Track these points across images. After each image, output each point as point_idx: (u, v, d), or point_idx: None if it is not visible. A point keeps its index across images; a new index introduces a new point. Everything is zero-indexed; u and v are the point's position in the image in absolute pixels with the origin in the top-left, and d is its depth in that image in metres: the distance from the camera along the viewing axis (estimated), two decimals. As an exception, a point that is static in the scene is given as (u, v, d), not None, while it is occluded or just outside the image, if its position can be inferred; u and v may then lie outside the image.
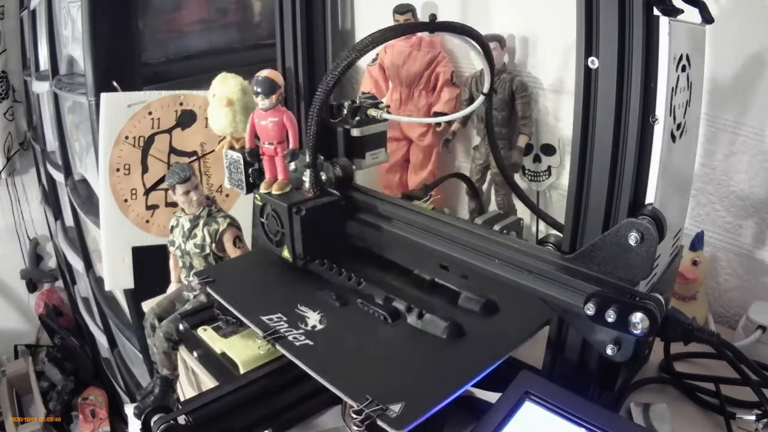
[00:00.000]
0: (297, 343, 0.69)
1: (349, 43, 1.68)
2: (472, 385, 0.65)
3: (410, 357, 0.68)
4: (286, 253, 0.81)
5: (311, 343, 0.69)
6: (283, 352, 0.69)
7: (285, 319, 0.74)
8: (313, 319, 0.74)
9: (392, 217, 0.81)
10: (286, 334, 0.71)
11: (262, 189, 0.83)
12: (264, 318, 0.74)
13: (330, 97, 0.78)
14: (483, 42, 0.83)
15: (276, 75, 0.80)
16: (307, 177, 0.81)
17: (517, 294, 0.68)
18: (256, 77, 0.79)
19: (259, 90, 0.78)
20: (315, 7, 0.92)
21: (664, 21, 0.56)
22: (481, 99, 0.87)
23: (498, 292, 0.74)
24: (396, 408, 0.57)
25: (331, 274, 0.82)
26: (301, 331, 0.72)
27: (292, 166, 0.84)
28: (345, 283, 0.80)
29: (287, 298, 0.78)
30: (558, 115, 1.25)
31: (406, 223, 0.80)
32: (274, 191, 0.82)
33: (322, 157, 0.86)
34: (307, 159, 0.80)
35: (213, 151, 1.34)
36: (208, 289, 0.83)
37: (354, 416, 0.69)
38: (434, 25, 0.79)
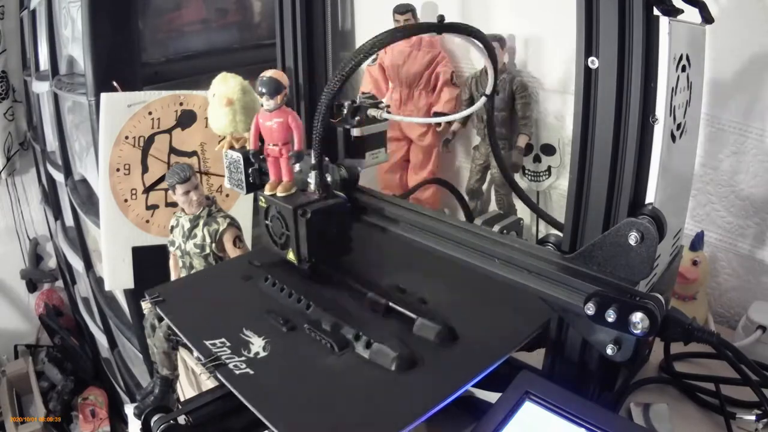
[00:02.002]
0: (237, 372, 0.65)
1: (349, 43, 1.68)
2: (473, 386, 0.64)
3: (354, 390, 0.63)
4: (291, 256, 0.80)
5: (251, 372, 0.65)
6: (222, 381, 0.65)
7: (228, 344, 0.69)
8: (257, 345, 0.70)
9: (399, 219, 0.81)
10: (228, 361, 0.67)
11: (267, 191, 0.82)
12: (207, 343, 0.70)
13: (336, 98, 0.78)
14: (488, 43, 0.83)
15: (281, 75, 0.79)
16: (312, 179, 0.80)
17: (518, 293, 0.67)
18: (261, 77, 0.78)
19: (263, 90, 0.77)
20: (315, 7, 0.92)
21: (664, 21, 0.56)
22: (482, 100, 0.87)
23: (498, 291, 0.73)
24: None
25: (281, 296, 0.79)
26: (243, 358, 0.67)
27: (297, 167, 0.83)
28: (294, 305, 0.76)
29: (234, 321, 0.74)
30: (558, 115, 1.26)
31: (412, 225, 0.79)
32: (279, 193, 0.81)
33: (327, 159, 0.85)
34: (313, 161, 0.79)
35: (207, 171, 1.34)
36: (157, 310, 0.80)
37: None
38: (441, 27, 0.78)
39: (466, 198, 1.32)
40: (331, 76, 0.76)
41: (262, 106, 0.80)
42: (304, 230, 0.76)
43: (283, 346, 0.70)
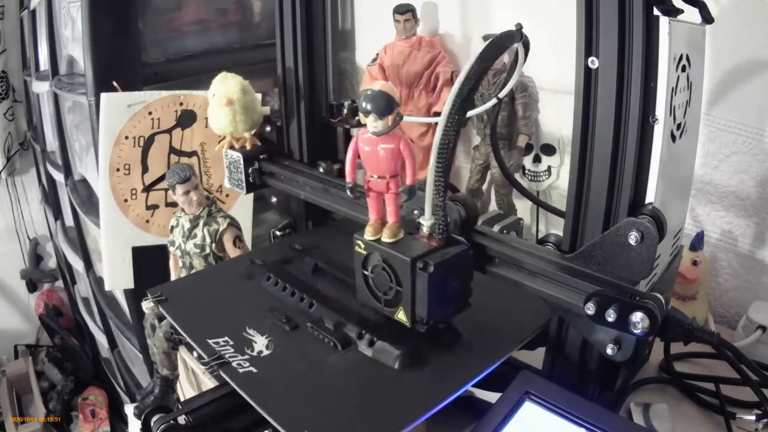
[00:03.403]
0: (241, 370, 0.65)
1: (349, 43, 1.68)
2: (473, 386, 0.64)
3: (358, 389, 0.63)
4: (401, 316, 0.66)
5: (255, 370, 0.65)
6: (226, 379, 0.65)
7: (231, 343, 0.70)
8: (261, 343, 0.69)
9: (531, 269, 0.66)
10: (231, 359, 0.66)
11: (368, 235, 0.66)
12: (210, 341, 0.70)
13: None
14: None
15: (393, 90, 0.63)
16: (427, 221, 0.65)
17: (518, 293, 0.67)
18: (365, 92, 0.62)
19: (369, 108, 0.61)
20: (315, 7, 0.92)
21: (664, 21, 0.56)
22: (492, 102, 0.86)
23: (498, 291, 0.73)
24: None
25: (283, 295, 0.78)
26: (246, 356, 0.67)
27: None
28: (297, 304, 0.75)
29: (237, 320, 0.74)
30: (558, 115, 1.26)
31: (541, 275, 0.65)
32: (385, 238, 0.66)
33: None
34: (432, 199, 0.63)
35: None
36: (160, 309, 0.79)
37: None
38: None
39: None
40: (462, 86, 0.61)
41: (362, 126, 0.64)
42: (424, 287, 0.63)
43: (286, 344, 0.70)
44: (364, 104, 0.62)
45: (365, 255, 0.67)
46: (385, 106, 0.61)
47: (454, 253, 0.64)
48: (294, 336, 0.71)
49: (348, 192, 0.68)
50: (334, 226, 1.03)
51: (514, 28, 0.67)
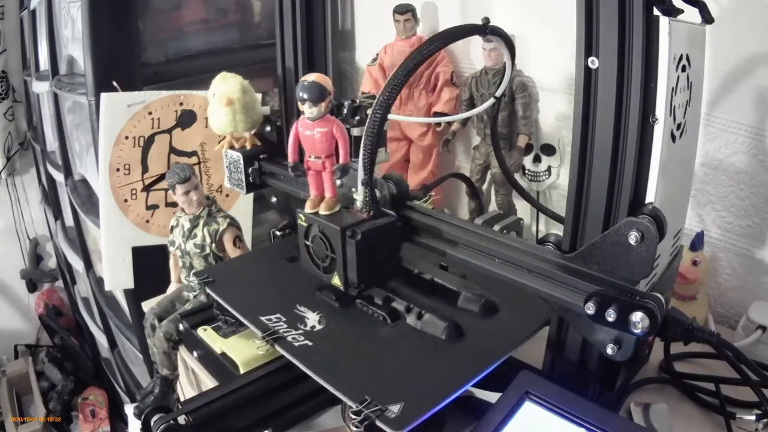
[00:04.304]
0: (296, 344, 0.69)
1: (349, 43, 1.68)
2: (472, 386, 0.65)
3: (409, 358, 0.68)
4: (336, 281, 0.74)
5: (310, 343, 0.69)
6: (282, 352, 0.69)
7: (284, 319, 0.73)
8: (312, 319, 0.74)
9: (457, 241, 0.72)
10: (285, 334, 0.71)
11: (308, 208, 0.75)
12: (263, 318, 0.74)
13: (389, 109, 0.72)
14: (511, 45, 0.81)
15: (325, 80, 0.71)
16: (359, 195, 0.73)
17: (518, 293, 0.67)
18: (302, 81, 0.71)
19: (305, 96, 0.70)
20: (315, 7, 0.92)
21: (664, 21, 0.56)
22: (491, 101, 0.86)
23: (498, 291, 0.73)
24: (395, 408, 0.57)
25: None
26: (300, 331, 0.71)
27: (337, 182, 0.77)
28: None
29: (286, 299, 0.77)
30: (558, 115, 1.25)
31: (469, 246, 0.71)
32: (322, 211, 0.74)
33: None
34: (362, 175, 0.71)
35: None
36: (208, 290, 0.82)
37: (353, 417, 0.69)
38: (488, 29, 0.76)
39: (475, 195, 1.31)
40: (386, 85, 0.73)
41: (302, 114, 0.73)
42: (353, 253, 0.70)
43: (337, 320, 0.73)
44: (300, 93, 0.70)
45: (306, 226, 0.76)
46: (319, 94, 0.70)
47: (381, 224, 0.72)
48: (344, 312, 0.75)
49: (289, 170, 0.76)
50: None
51: (482, 23, 0.76)
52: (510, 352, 0.69)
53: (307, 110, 0.71)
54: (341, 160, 0.73)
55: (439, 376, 0.64)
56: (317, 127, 0.72)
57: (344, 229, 0.70)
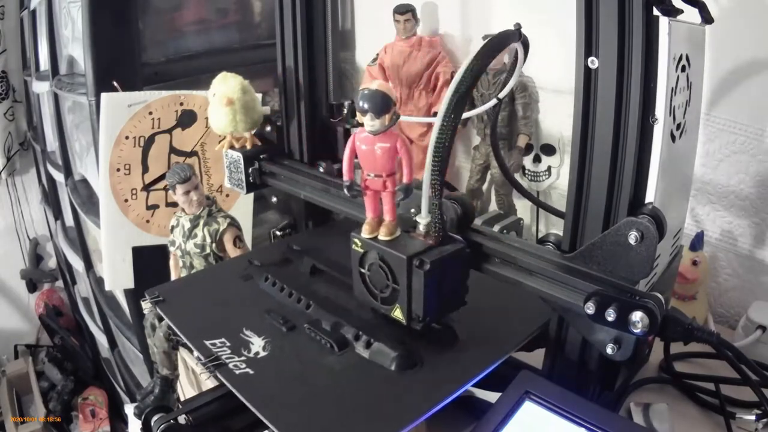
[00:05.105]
0: (237, 372, 0.65)
1: (349, 43, 1.68)
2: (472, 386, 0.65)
3: (354, 391, 0.63)
4: (397, 313, 0.67)
5: (251, 372, 0.65)
6: (223, 381, 0.65)
7: (228, 344, 0.69)
8: (257, 345, 0.69)
9: (530, 268, 0.66)
10: (228, 361, 0.66)
11: (365, 233, 0.67)
12: (207, 343, 0.69)
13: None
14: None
15: (389, 89, 0.63)
16: (423, 218, 0.65)
17: (518, 293, 0.67)
18: (363, 90, 0.62)
19: (366, 107, 0.61)
20: (315, 7, 0.92)
21: (663, 21, 0.56)
22: (492, 102, 0.86)
23: (498, 291, 0.73)
24: None
25: (281, 296, 0.78)
26: (243, 358, 0.67)
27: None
28: (294, 305, 0.75)
29: (234, 321, 0.73)
30: (558, 115, 1.26)
31: (541, 274, 0.65)
32: (382, 236, 0.66)
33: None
34: (426, 195, 0.63)
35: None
36: (157, 309, 0.79)
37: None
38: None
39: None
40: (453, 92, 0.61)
41: (354, 125, 0.67)
42: (420, 285, 0.63)
43: (283, 345, 0.70)
44: (361, 103, 0.62)
45: (362, 253, 0.68)
46: (382, 105, 0.61)
47: (450, 251, 0.64)
48: (291, 337, 0.71)
49: (345, 190, 0.67)
50: (333, 226, 1.03)
51: (513, 28, 0.68)
52: (510, 353, 0.69)
53: (368, 123, 0.62)
54: (405, 179, 0.64)
55: (385, 413, 0.59)
56: (378, 142, 0.63)
57: (411, 257, 0.63)
